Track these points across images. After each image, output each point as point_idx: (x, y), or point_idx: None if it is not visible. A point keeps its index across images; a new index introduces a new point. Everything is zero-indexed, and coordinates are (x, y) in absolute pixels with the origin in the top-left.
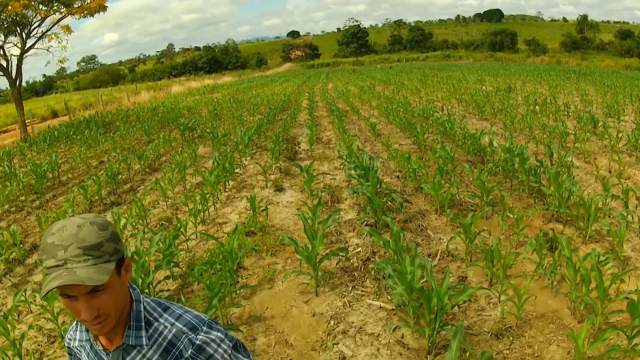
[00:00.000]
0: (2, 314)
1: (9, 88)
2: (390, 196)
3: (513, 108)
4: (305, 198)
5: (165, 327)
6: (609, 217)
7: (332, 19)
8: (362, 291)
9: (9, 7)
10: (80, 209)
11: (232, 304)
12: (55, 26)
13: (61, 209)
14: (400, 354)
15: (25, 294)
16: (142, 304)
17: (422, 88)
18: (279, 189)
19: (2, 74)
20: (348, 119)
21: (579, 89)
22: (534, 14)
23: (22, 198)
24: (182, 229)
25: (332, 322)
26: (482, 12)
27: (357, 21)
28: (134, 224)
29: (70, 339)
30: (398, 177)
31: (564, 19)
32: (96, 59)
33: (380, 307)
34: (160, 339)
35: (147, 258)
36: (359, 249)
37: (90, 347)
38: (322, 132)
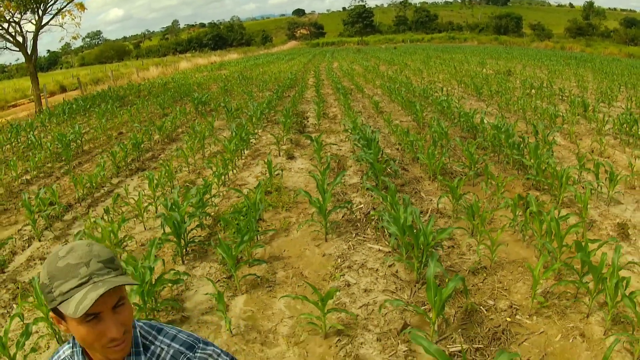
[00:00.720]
0: None
1: (12, 64)
2: (389, 163)
3: (510, 91)
4: (315, 165)
5: (162, 349)
6: (582, 187)
7: None
8: (363, 237)
9: None
10: (108, 173)
11: (256, 245)
12: (70, 3)
13: (93, 171)
14: (394, 283)
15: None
16: (137, 329)
17: (425, 69)
18: (291, 157)
19: (17, 49)
20: (353, 96)
21: (577, 74)
22: None
23: (49, 165)
24: (209, 187)
25: (339, 260)
26: None
27: (362, 1)
28: (163, 184)
29: None
30: (397, 149)
31: (571, 5)
32: (101, 35)
33: (379, 249)
34: None
35: (183, 209)
36: (362, 205)
37: None
38: (328, 109)
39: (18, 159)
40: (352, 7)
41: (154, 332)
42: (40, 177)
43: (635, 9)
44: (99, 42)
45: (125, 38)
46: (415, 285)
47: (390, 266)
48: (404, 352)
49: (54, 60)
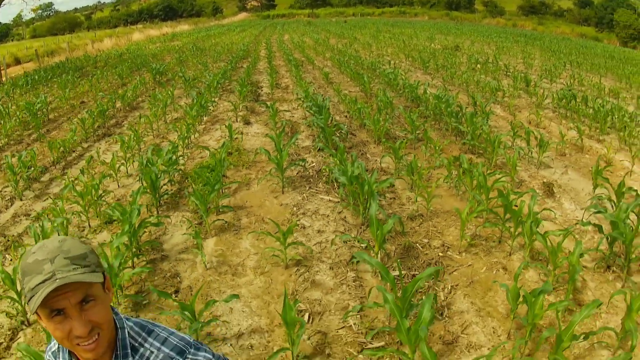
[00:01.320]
0: (35, 215)
1: None
2: (339, 127)
3: (455, 65)
4: (270, 129)
5: (152, 352)
6: (518, 153)
7: None
8: (316, 190)
9: None
10: (78, 139)
11: (223, 196)
12: None
13: (61, 137)
14: (343, 225)
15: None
16: (126, 330)
17: (374, 43)
18: (247, 123)
19: None
20: (304, 68)
21: (525, 52)
22: None
23: (18, 133)
24: (176, 148)
25: (294, 209)
26: None
27: None
28: (132, 147)
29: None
30: (346, 116)
31: None
32: (52, 7)
33: (329, 200)
34: None
35: (158, 164)
36: (314, 163)
37: None
38: (280, 79)
39: None
40: None
41: (143, 334)
42: (11, 144)
43: None
44: (50, 14)
45: (76, 9)
46: (360, 227)
47: (339, 212)
48: (352, 277)
49: (5, 33)
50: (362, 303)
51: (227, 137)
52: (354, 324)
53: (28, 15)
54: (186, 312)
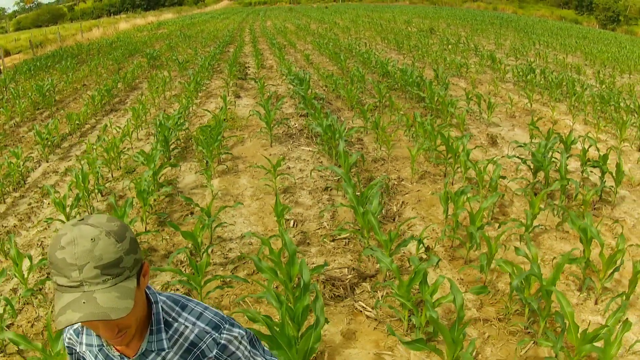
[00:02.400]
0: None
1: None
2: (317, 95)
3: (427, 46)
4: (259, 101)
5: (187, 327)
6: (467, 112)
7: None
8: (298, 143)
9: None
10: (90, 112)
11: (223, 149)
12: None
13: (80, 110)
14: (320, 165)
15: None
16: (159, 305)
17: (353, 27)
18: (238, 96)
19: None
20: (286, 51)
21: (498, 33)
22: None
23: (29, 112)
24: (182, 113)
25: (281, 157)
26: None
27: None
28: (140, 117)
29: (71, 340)
30: (324, 90)
31: None
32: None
33: (309, 150)
34: (181, 340)
35: (171, 122)
36: (296, 124)
37: (99, 351)
38: (265, 61)
39: (1, 107)
40: None
41: (177, 308)
42: (25, 121)
43: None
44: (33, 6)
45: (58, 1)
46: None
47: (317, 158)
48: (326, 199)
49: None
50: (333, 214)
51: (221, 107)
52: (327, 226)
53: (11, 8)
54: (204, 215)
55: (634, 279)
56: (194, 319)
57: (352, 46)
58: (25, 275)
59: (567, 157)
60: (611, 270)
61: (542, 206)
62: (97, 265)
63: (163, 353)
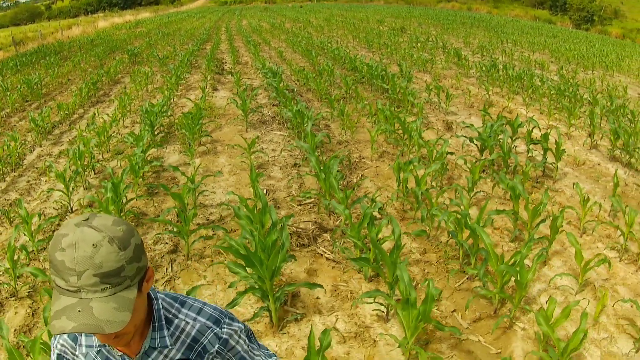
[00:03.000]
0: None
1: None
2: (289, 86)
3: (397, 44)
4: (235, 92)
5: (187, 322)
6: (425, 101)
7: None
8: (271, 129)
9: None
10: (79, 101)
11: (203, 132)
12: None
13: (69, 100)
14: (289, 146)
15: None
16: (160, 301)
17: (327, 26)
18: (215, 89)
19: None
20: (261, 48)
21: (468, 33)
22: None
23: (19, 104)
24: (165, 102)
25: (255, 140)
26: None
27: None
28: (124, 108)
29: (64, 347)
30: (296, 83)
31: None
32: None
33: (281, 134)
34: (182, 336)
35: (156, 109)
36: (269, 112)
37: (98, 352)
38: (241, 57)
39: None
40: None
41: (177, 305)
42: (15, 112)
43: None
44: (9, 5)
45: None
46: (304, 155)
47: (288, 140)
48: (295, 173)
49: None
50: (300, 185)
51: (200, 97)
52: (295, 193)
53: None
54: (189, 182)
55: (554, 225)
56: (194, 315)
57: (324, 44)
58: (33, 235)
59: (515, 139)
60: (538, 221)
61: (484, 175)
62: (97, 273)
63: (165, 350)
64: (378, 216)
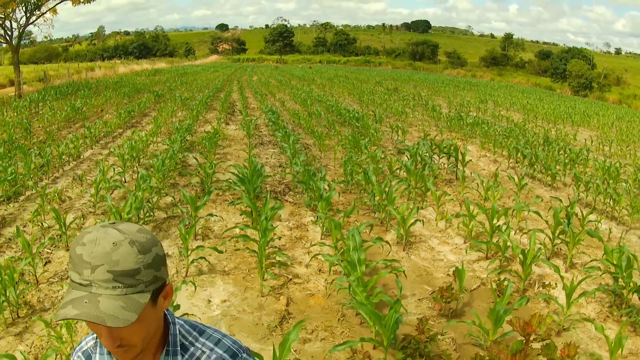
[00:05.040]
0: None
1: None
2: (284, 124)
3: (385, 101)
4: (242, 128)
5: (203, 352)
6: (390, 138)
7: (261, 15)
8: (267, 148)
9: None
10: (118, 122)
11: (218, 147)
12: (48, 11)
13: (112, 121)
14: (279, 157)
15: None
16: (177, 327)
17: (328, 85)
18: (227, 123)
19: (5, 43)
20: (267, 98)
21: (456, 94)
22: (464, 28)
23: (63, 123)
24: (190, 126)
25: (256, 154)
26: (409, 22)
27: (285, 20)
28: (157, 127)
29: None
30: (292, 123)
31: (492, 36)
32: (32, 35)
33: (274, 152)
34: None
35: (183, 128)
36: (267, 138)
37: None
38: (249, 104)
39: (39, 120)
40: (275, 25)
41: (194, 333)
42: (63, 128)
43: (560, 42)
44: (27, 42)
45: (51, 40)
46: (289, 160)
47: (278, 154)
48: (280, 169)
49: None
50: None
51: (215, 128)
52: (278, 178)
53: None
54: (207, 167)
55: (441, 195)
56: (211, 345)
57: (321, 97)
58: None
59: (441, 158)
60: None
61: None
62: (111, 269)
63: None
64: (327, 187)
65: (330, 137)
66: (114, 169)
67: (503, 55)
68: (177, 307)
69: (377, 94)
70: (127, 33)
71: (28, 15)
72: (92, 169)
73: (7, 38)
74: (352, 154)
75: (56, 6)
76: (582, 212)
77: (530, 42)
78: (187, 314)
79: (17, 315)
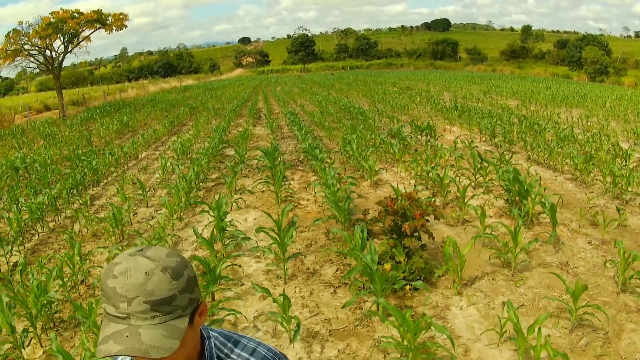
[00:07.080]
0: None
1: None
2: (298, 120)
3: (394, 98)
4: (267, 127)
5: None
6: (386, 124)
7: (282, 25)
8: (287, 141)
9: (68, 24)
10: (162, 131)
11: (249, 142)
12: (84, 39)
13: (157, 130)
14: (296, 146)
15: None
16: (212, 340)
17: (346, 89)
18: (254, 126)
19: (47, 69)
20: (289, 104)
21: (464, 88)
22: (485, 23)
23: (114, 135)
24: (225, 127)
25: (277, 144)
26: (429, 22)
27: (306, 30)
28: (197, 131)
29: None
30: (308, 122)
31: (512, 29)
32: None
33: (292, 142)
34: None
35: (221, 129)
36: (287, 134)
37: None
38: (273, 110)
39: (94, 134)
40: (297, 35)
41: (230, 345)
42: (114, 140)
43: (581, 30)
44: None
45: (74, 65)
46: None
47: (295, 145)
48: (297, 154)
49: (10, 87)
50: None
51: (245, 129)
52: (295, 157)
53: (30, 69)
54: (240, 151)
55: (401, 155)
56: (247, 355)
57: (337, 99)
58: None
59: (422, 137)
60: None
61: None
62: (148, 300)
63: None
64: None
65: (338, 129)
66: (171, 161)
67: (522, 47)
68: (230, 222)
69: (389, 94)
70: (150, 53)
71: (66, 44)
72: (150, 164)
73: (49, 66)
74: (348, 136)
75: (90, 35)
76: (505, 156)
77: (550, 32)
78: (234, 219)
79: (123, 237)
